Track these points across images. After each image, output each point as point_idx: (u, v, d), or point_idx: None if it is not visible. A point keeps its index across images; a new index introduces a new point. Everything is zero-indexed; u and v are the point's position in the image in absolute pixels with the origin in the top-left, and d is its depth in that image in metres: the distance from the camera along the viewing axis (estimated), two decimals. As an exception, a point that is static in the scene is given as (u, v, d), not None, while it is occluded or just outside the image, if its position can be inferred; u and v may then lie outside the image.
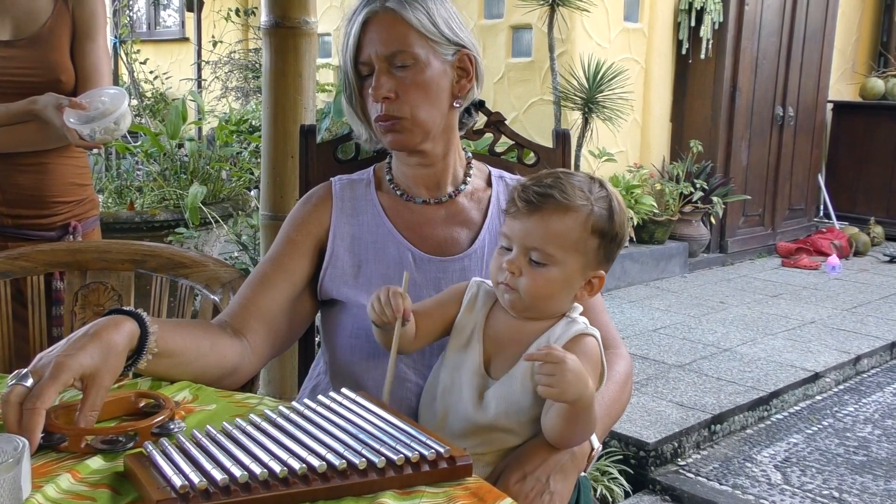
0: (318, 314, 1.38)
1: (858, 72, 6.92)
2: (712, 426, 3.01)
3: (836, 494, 2.64)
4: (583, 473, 1.18)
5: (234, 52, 6.80)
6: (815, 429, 3.17)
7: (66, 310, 1.56)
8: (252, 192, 4.13)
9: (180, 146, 4.24)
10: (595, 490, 2.55)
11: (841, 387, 3.63)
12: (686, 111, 5.50)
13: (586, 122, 3.77)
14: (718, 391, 3.25)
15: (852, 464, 2.86)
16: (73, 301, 1.55)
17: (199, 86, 6.95)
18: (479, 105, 1.41)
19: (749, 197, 5.64)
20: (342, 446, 0.90)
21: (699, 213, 5.28)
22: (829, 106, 6.51)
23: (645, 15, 5.21)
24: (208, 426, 0.93)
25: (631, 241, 4.95)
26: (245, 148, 4.52)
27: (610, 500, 2.59)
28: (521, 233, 1.10)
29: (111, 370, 0.99)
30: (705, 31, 5.19)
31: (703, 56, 5.27)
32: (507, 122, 1.53)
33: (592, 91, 3.75)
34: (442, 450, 0.90)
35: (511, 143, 1.53)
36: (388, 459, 0.88)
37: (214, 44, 6.68)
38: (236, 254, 3.54)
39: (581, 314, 1.16)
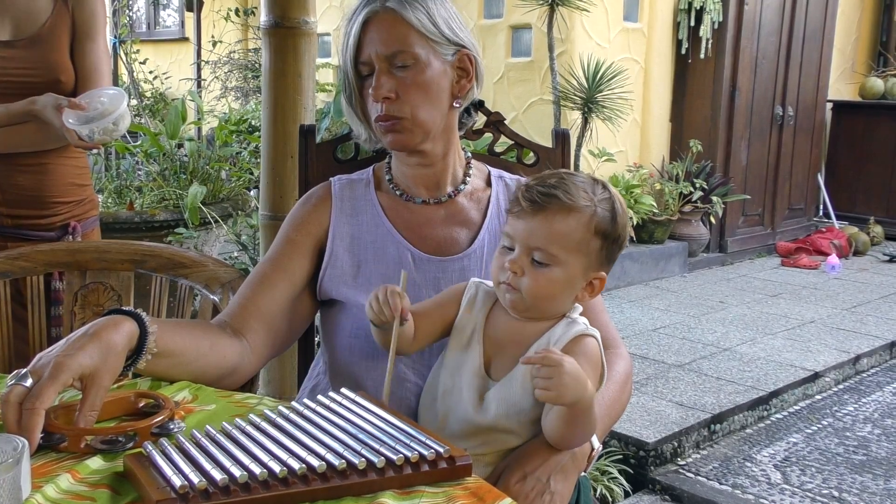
0: (318, 314, 1.38)
1: (858, 71, 6.93)
2: (712, 426, 3.02)
3: (836, 494, 2.64)
4: (583, 473, 1.18)
5: (234, 52, 6.81)
6: (815, 428, 3.17)
7: (66, 310, 1.56)
8: (251, 192, 4.13)
9: (180, 146, 4.24)
10: (595, 490, 2.55)
11: (840, 386, 3.63)
12: (685, 111, 5.50)
13: (586, 121, 3.77)
14: (718, 391, 3.25)
15: (852, 463, 2.87)
16: (73, 301, 1.55)
17: (199, 86, 6.95)
18: (479, 105, 1.41)
19: (748, 196, 5.64)
20: (342, 446, 0.90)
21: (699, 212, 5.28)
22: (829, 105, 6.51)
23: (644, 15, 5.21)
24: (208, 426, 0.93)
25: (630, 240, 4.95)
26: (244, 148, 4.52)
27: (610, 499, 2.59)
28: (525, 232, 1.10)
29: (110, 370, 0.99)
30: (705, 31, 5.19)
31: (702, 56, 5.27)
32: (506, 122, 1.53)
33: (592, 91, 3.75)
34: (441, 450, 0.90)
35: (510, 142, 1.53)
36: (388, 459, 0.88)
37: (214, 44, 6.68)
38: (236, 254, 3.54)
39: (581, 314, 1.16)
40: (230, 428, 0.93)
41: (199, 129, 6.01)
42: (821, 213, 6.56)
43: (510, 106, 5.04)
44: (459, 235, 1.32)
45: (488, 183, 1.38)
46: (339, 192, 1.34)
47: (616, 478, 2.64)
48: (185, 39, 8.00)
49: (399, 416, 0.99)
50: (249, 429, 0.94)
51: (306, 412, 0.99)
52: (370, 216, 1.32)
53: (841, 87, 6.76)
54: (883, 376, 3.78)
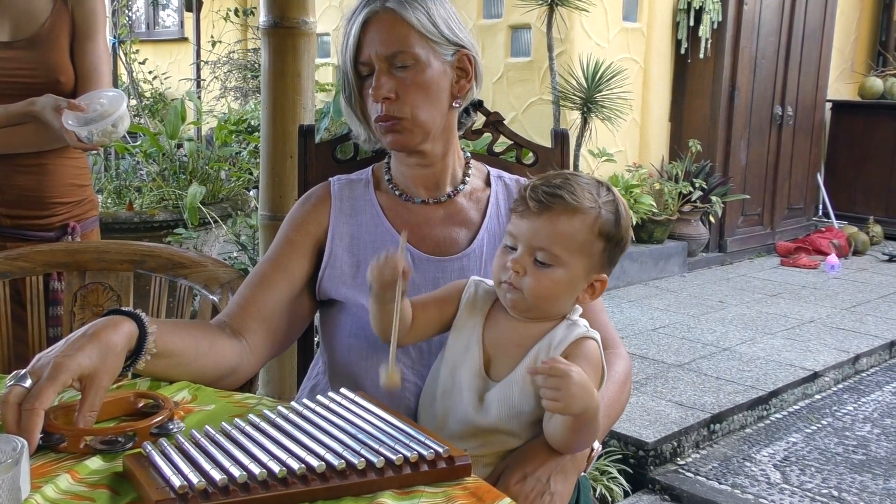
0: (317, 314, 1.38)
1: (857, 71, 6.93)
2: (711, 425, 3.02)
3: (836, 493, 2.64)
4: (582, 473, 1.18)
5: (233, 52, 6.81)
6: (815, 428, 3.17)
7: (65, 310, 1.56)
8: (251, 193, 4.13)
9: (179, 146, 4.24)
10: (594, 489, 2.55)
11: (840, 386, 3.63)
12: (685, 111, 5.50)
13: (585, 121, 3.77)
14: (717, 390, 3.25)
15: (851, 463, 2.87)
16: (72, 301, 1.55)
17: (199, 86, 6.95)
18: (478, 105, 1.41)
19: (748, 196, 5.64)
20: (341, 446, 0.90)
21: (698, 212, 5.28)
22: (828, 105, 6.52)
23: (644, 14, 5.21)
24: (207, 426, 0.93)
25: (630, 240, 4.96)
26: (244, 148, 4.52)
27: (609, 499, 2.59)
28: (529, 232, 1.09)
29: (110, 371, 0.99)
30: (704, 31, 5.19)
31: (701, 55, 5.27)
32: (505, 122, 1.53)
33: (591, 91, 3.75)
34: (441, 450, 0.90)
35: (509, 142, 1.53)
36: (387, 459, 0.88)
37: (213, 44, 6.68)
38: (235, 254, 3.54)
39: (580, 314, 1.16)
40: (229, 428, 0.93)
41: (199, 130, 6.01)
42: (820, 212, 6.56)
43: (509, 106, 5.04)
44: (459, 235, 1.32)
45: (487, 183, 1.38)
46: (339, 192, 1.34)
47: (616, 477, 2.64)
48: (185, 39, 8.00)
49: (398, 416, 0.99)
50: (249, 429, 0.94)
51: (305, 412, 0.99)
52: (369, 216, 1.32)
53: (840, 86, 6.76)
54: (882, 376, 3.78)
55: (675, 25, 5.32)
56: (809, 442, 3.04)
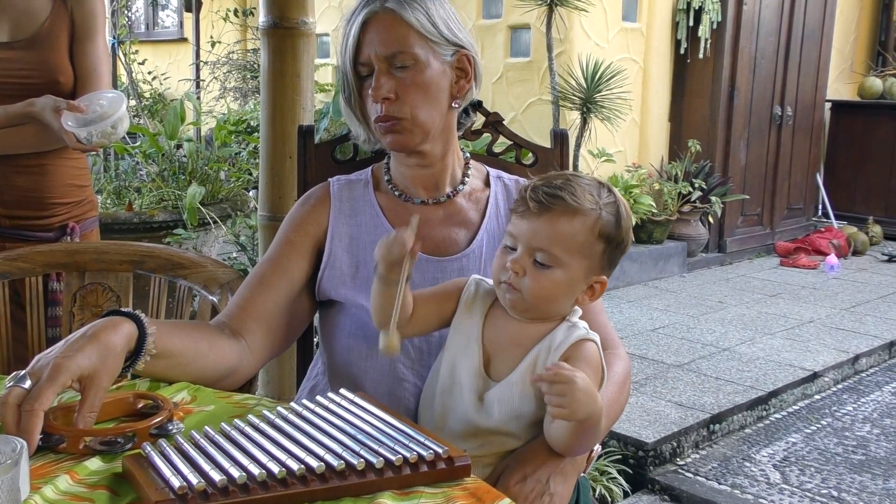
0: (317, 315, 1.38)
1: (857, 71, 6.93)
2: (711, 426, 3.02)
3: (835, 493, 2.64)
4: (582, 474, 1.18)
5: (233, 52, 6.81)
6: (814, 428, 3.18)
7: (65, 311, 1.56)
8: (250, 193, 4.13)
9: (179, 147, 4.24)
10: (594, 490, 2.55)
11: (839, 386, 3.63)
12: (684, 111, 5.50)
13: (585, 121, 3.78)
14: (717, 391, 3.25)
15: (851, 463, 2.87)
16: (72, 302, 1.55)
17: (198, 86, 6.95)
18: (477, 105, 1.41)
19: (747, 196, 5.64)
20: (340, 447, 0.90)
21: (697, 212, 5.29)
22: (828, 105, 6.52)
23: (643, 15, 5.21)
24: (206, 427, 0.93)
25: (631, 242, 4.95)
26: (243, 148, 4.52)
27: (609, 499, 2.59)
28: (529, 233, 1.09)
29: (109, 371, 0.99)
30: (703, 31, 5.19)
31: (701, 56, 5.27)
32: (505, 123, 1.53)
33: (591, 91, 3.75)
34: (440, 450, 0.90)
35: (509, 143, 1.53)
36: (387, 460, 0.88)
37: (213, 44, 6.68)
38: (235, 254, 3.54)
39: (580, 315, 1.16)
40: (229, 429, 0.93)
41: (199, 130, 6.01)
42: (820, 212, 6.56)
43: (509, 106, 5.04)
44: (458, 236, 1.32)
45: (487, 183, 1.38)
46: (338, 192, 1.34)
47: (615, 478, 2.64)
48: (184, 40, 8.00)
49: (398, 417, 0.99)
50: (248, 430, 0.94)
51: (305, 413, 0.99)
52: (369, 216, 1.32)
53: (840, 86, 6.77)
54: (882, 376, 3.78)
55: (675, 25, 5.32)
56: (809, 442, 3.04)
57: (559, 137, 1.53)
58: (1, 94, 1.83)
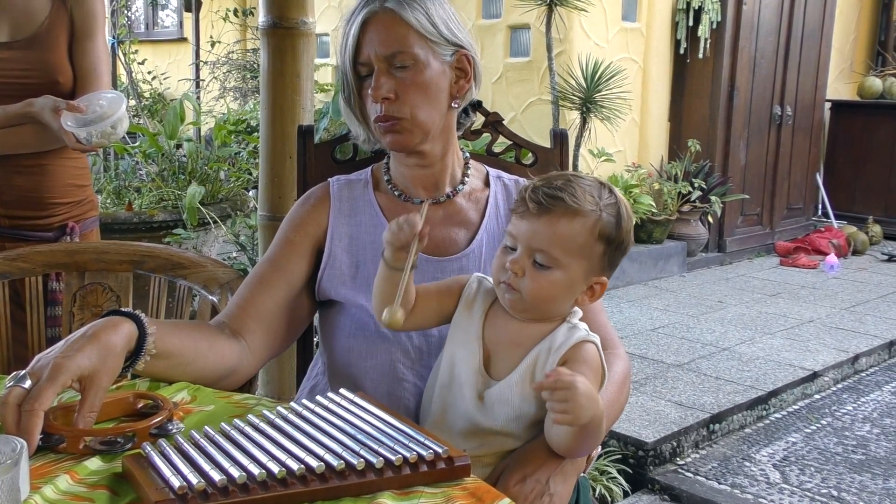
0: (317, 315, 1.38)
1: (856, 71, 6.93)
2: (711, 425, 3.02)
3: (835, 493, 2.64)
4: (582, 474, 1.18)
5: (233, 52, 6.81)
6: (814, 428, 3.18)
7: (65, 311, 1.56)
8: (250, 193, 4.13)
9: (178, 147, 4.24)
10: (594, 489, 2.55)
11: (839, 386, 3.63)
12: (684, 111, 5.50)
13: (584, 121, 3.78)
14: (717, 390, 3.25)
15: (851, 462, 2.87)
16: (72, 302, 1.55)
17: (198, 86, 6.95)
18: (477, 105, 1.41)
19: (747, 196, 5.64)
20: (340, 447, 0.90)
21: (697, 212, 5.29)
22: (827, 105, 6.52)
23: (643, 14, 5.21)
24: (206, 427, 0.93)
25: (631, 243, 4.96)
26: (243, 148, 4.53)
27: (609, 499, 2.59)
28: (528, 233, 1.09)
29: (109, 371, 0.99)
30: (703, 31, 5.19)
31: (701, 55, 5.27)
32: (504, 122, 1.53)
33: (590, 91, 3.75)
34: (440, 450, 0.90)
35: (509, 143, 1.53)
36: (386, 460, 0.88)
37: (212, 44, 6.68)
38: (234, 254, 3.54)
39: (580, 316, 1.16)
40: (229, 429, 0.93)
41: (198, 130, 6.01)
42: (819, 212, 6.57)
43: (508, 106, 5.04)
44: (458, 236, 1.32)
45: (486, 183, 1.38)
46: (338, 192, 1.34)
47: (615, 478, 2.64)
48: (184, 40, 8.00)
49: (398, 417, 0.99)
50: (248, 429, 0.94)
51: (305, 413, 0.99)
52: (369, 216, 1.32)
53: (839, 86, 6.77)
54: (882, 376, 3.78)
55: (675, 25, 5.32)
56: (809, 442, 3.04)
57: (559, 137, 1.53)
58: (0, 95, 1.83)
